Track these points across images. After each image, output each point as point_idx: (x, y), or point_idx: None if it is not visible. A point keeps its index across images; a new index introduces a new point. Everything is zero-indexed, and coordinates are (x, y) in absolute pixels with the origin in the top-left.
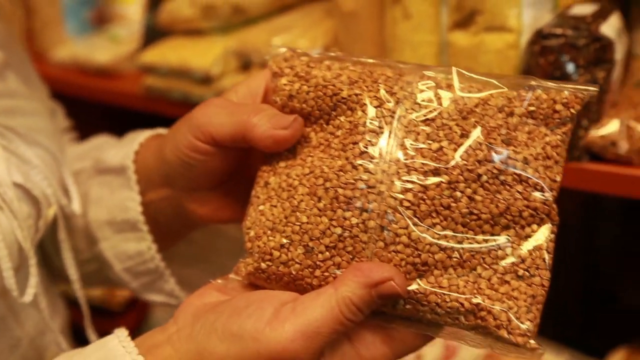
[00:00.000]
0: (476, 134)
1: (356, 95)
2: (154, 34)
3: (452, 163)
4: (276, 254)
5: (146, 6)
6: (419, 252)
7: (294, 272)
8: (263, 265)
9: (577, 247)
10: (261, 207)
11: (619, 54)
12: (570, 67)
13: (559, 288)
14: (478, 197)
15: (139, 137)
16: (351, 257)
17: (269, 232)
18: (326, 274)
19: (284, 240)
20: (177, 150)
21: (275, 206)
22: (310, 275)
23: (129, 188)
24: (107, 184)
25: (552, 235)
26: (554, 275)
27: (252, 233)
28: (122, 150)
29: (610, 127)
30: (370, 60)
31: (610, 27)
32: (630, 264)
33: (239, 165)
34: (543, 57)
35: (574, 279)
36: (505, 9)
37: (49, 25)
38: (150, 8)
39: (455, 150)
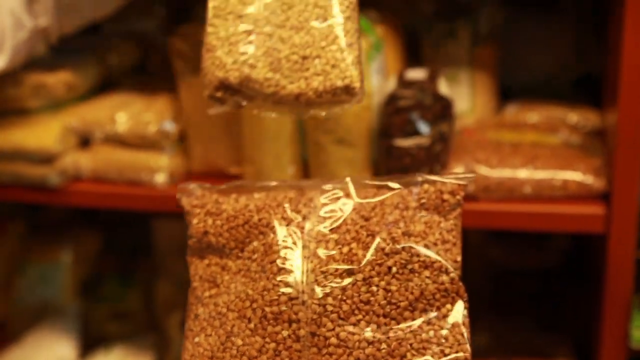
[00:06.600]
0: (380, 231)
1: (265, 219)
2: None
3: (364, 261)
4: None
5: None
6: (351, 350)
7: None
8: None
9: None
10: (197, 339)
11: (455, 109)
12: (420, 123)
13: None
14: (393, 288)
15: None
16: None
17: None
18: None
19: None
20: None
21: (210, 335)
22: None
23: None
24: None
25: (465, 311)
26: None
27: None
28: None
29: (457, 171)
30: (273, 184)
31: (444, 87)
32: None
33: None
34: (397, 116)
35: None
36: None
37: None
38: None
39: (364, 249)
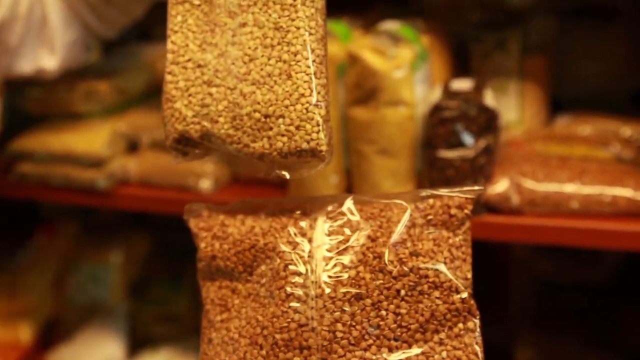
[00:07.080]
0: (387, 252)
1: (271, 243)
2: (16, 119)
3: (372, 286)
4: None
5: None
6: None
7: None
8: None
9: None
10: None
11: (501, 121)
12: (464, 135)
13: None
14: (403, 311)
15: None
16: None
17: None
18: None
19: None
20: None
21: None
22: None
23: None
24: None
25: (478, 329)
26: None
27: None
28: None
29: (502, 184)
30: (278, 201)
31: (490, 99)
32: None
33: None
34: (442, 127)
35: None
36: (402, 85)
37: None
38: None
39: (371, 272)
